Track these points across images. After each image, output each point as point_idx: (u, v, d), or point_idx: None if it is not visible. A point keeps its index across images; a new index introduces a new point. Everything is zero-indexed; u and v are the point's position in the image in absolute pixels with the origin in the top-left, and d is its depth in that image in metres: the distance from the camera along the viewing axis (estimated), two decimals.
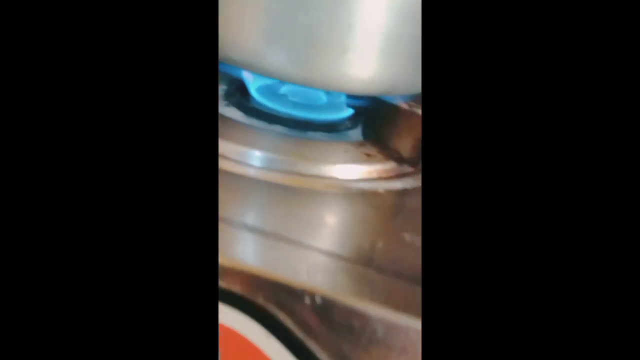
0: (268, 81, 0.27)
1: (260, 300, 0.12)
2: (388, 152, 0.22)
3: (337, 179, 0.19)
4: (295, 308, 0.11)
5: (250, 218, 0.15)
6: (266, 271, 0.12)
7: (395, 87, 0.22)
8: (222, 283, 0.12)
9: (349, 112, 0.26)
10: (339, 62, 0.19)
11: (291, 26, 0.18)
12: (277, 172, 0.18)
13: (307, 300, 0.11)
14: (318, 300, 0.11)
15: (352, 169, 0.20)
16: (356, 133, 0.25)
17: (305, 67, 0.19)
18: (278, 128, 0.24)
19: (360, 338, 0.11)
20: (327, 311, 0.11)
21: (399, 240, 0.16)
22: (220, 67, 0.24)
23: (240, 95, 0.26)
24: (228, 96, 0.27)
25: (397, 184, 0.20)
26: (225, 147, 0.20)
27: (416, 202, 0.20)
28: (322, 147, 0.21)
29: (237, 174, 0.18)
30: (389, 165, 0.21)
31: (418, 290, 0.13)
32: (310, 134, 0.24)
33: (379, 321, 0.11)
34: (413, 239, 0.16)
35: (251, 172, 0.19)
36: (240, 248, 0.14)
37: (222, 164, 0.19)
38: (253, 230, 0.14)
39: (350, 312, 0.11)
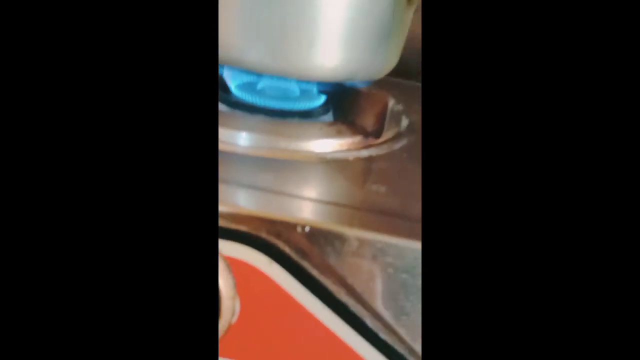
0: (246, 78, 0.30)
1: (263, 234, 0.15)
2: (355, 128, 0.26)
3: (314, 152, 0.23)
4: (291, 237, 0.15)
5: (245, 179, 0.19)
6: (264, 212, 0.15)
7: (357, 74, 0.26)
8: (231, 225, 0.15)
9: (321, 100, 0.30)
10: (307, 54, 0.22)
11: (264, 24, 0.22)
12: (261, 148, 0.22)
13: (299, 230, 0.15)
14: (307, 229, 0.15)
15: (326, 143, 0.24)
16: (328, 117, 0.29)
17: (278, 59, 0.23)
18: (260, 117, 0.27)
19: (340, 253, 0.15)
20: (315, 237, 0.15)
21: (368, 190, 0.19)
22: None
23: (222, 91, 0.30)
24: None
25: (364, 153, 0.24)
26: None
27: (380, 165, 0.24)
28: (300, 127, 0.25)
29: (226, 152, 0.21)
30: (357, 139, 0.25)
31: (381, 218, 0.17)
32: (289, 119, 0.28)
33: (354, 239, 0.15)
34: (378, 188, 0.20)
35: (239, 150, 0.22)
36: (242, 199, 0.17)
37: None
38: (249, 186, 0.17)
39: (333, 235, 0.15)
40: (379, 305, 0.15)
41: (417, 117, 0.31)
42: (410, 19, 0.27)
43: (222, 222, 0.15)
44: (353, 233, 0.15)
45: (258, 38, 0.22)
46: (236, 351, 0.16)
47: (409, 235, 0.15)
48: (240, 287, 0.15)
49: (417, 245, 0.15)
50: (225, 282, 0.15)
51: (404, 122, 0.31)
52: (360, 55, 0.24)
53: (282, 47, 0.22)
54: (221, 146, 0.22)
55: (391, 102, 0.24)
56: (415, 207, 0.19)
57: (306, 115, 0.29)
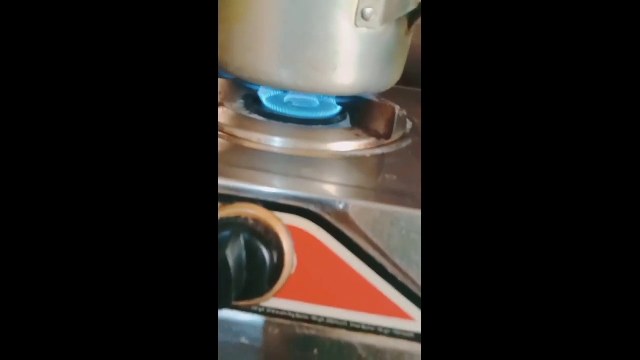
0: (274, 92, 0.37)
1: (312, 208, 0.21)
2: (369, 131, 0.32)
3: (337, 151, 0.30)
4: (332, 210, 0.21)
5: (288, 171, 0.25)
6: (308, 192, 0.22)
7: (369, 88, 0.32)
8: (283, 201, 0.22)
9: (338, 109, 0.36)
10: (330, 77, 0.29)
11: (295, 54, 0.28)
12: (294, 149, 0.28)
13: (339, 205, 0.21)
14: (342, 205, 0.21)
15: (347, 145, 0.30)
16: (346, 123, 0.35)
17: (306, 81, 0.29)
18: (290, 126, 0.34)
19: (367, 221, 0.21)
20: (349, 210, 0.21)
21: (383, 178, 0.26)
22: (240, 83, 0.34)
23: (257, 104, 0.36)
24: (248, 106, 0.36)
25: (378, 151, 0.31)
26: (251, 136, 0.29)
27: (391, 161, 0.30)
28: (324, 132, 0.32)
29: (262, 150, 0.28)
30: (371, 140, 0.32)
31: (395, 196, 0.23)
32: (314, 126, 0.34)
33: (377, 210, 0.21)
34: (391, 177, 0.26)
35: (275, 150, 0.28)
36: (290, 184, 0.23)
37: (250, 145, 0.28)
38: (293, 175, 0.24)
39: (361, 208, 0.21)
40: (397, 258, 0.22)
41: (419, 121, 0.37)
42: (410, 41, 0.33)
43: (278, 200, 0.22)
44: (376, 206, 0.21)
45: (289, 65, 0.29)
46: (295, 293, 0.22)
47: (416, 206, 0.22)
48: (297, 247, 0.22)
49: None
50: (286, 243, 0.21)
51: (409, 125, 0.37)
52: (371, 75, 0.31)
53: (309, 72, 0.29)
54: (255, 145, 0.29)
55: (397, 110, 0.31)
56: (419, 189, 0.25)
57: (327, 122, 0.35)
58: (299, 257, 0.22)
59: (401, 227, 0.21)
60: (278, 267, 0.21)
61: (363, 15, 0.27)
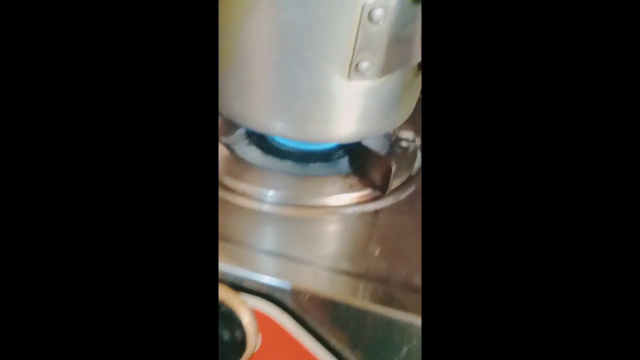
0: None
1: (277, 294, 0.21)
2: (366, 180, 0.30)
3: (329, 207, 0.28)
4: (297, 298, 0.21)
5: (266, 244, 0.24)
6: (279, 280, 0.21)
7: (367, 135, 0.30)
8: (253, 286, 0.21)
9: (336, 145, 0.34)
10: (322, 128, 0.27)
11: (285, 106, 0.26)
12: (285, 206, 0.27)
13: (303, 297, 0.20)
14: (307, 297, 0.21)
15: (340, 198, 0.29)
16: (345, 161, 0.33)
17: (297, 132, 0.27)
18: (287, 163, 0.32)
19: (331, 314, 0.20)
20: (313, 300, 0.20)
21: (368, 252, 0.24)
22: None
23: (257, 135, 0.35)
24: (248, 136, 0.35)
25: (371, 206, 0.29)
26: (245, 187, 0.28)
27: (383, 220, 0.28)
28: (318, 182, 0.30)
29: (256, 210, 0.27)
30: (366, 191, 0.29)
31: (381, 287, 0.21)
32: (311, 165, 0.33)
33: (343, 305, 0.20)
34: (375, 249, 0.24)
35: (265, 208, 0.27)
36: (262, 264, 0.23)
37: (243, 202, 0.28)
38: (269, 252, 0.23)
39: (325, 301, 0.20)
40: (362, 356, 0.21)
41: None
42: (420, 80, 0.30)
43: (244, 283, 0.21)
44: (345, 303, 0.20)
45: (279, 116, 0.27)
46: None
47: (392, 306, 0.20)
48: (261, 328, 0.21)
49: (391, 314, 0.20)
50: (250, 324, 0.21)
51: (417, 164, 0.34)
52: (369, 124, 0.28)
53: (299, 124, 0.27)
54: (248, 203, 0.28)
55: (394, 168, 0.28)
56: (403, 269, 0.23)
57: (327, 157, 0.33)
58: (263, 337, 0.22)
59: (373, 328, 0.20)
60: (240, 346, 0.21)
61: (358, 69, 0.24)
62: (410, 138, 0.38)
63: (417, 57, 0.25)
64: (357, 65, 0.23)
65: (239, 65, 0.26)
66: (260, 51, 0.24)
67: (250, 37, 0.24)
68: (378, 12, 0.21)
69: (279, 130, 0.28)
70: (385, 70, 0.24)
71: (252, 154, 0.34)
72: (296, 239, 0.25)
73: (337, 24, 0.22)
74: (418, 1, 0.22)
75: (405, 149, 0.36)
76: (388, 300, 0.20)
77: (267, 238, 0.25)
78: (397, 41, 0.23)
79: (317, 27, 0.22)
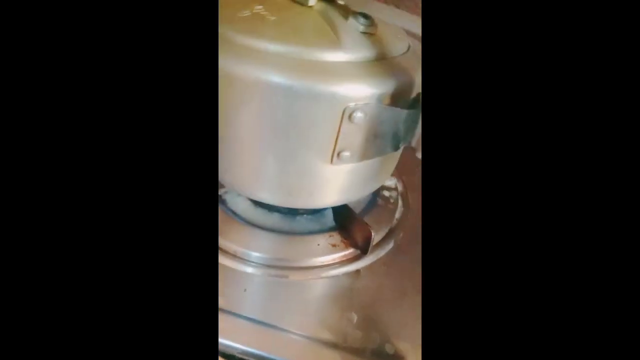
0: None
1: None
2: (348, 240, 0.32)
3: (313, 267, 0.30)
4: None
5: (249, 309, 0.27)
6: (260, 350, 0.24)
7: (351, 199, 0.32)
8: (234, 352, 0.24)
9: None
10: (306, 199, 0.29)
11: (271, 182, 0.28)
12: (270, 267, 0.30)
13: None
14: None
15: (323, 259, 0.31)
16: (329, 213, 0.35)
17: (284, 201, 0.29)
18: (275, 215, 0.34)
19: None
20: None
21: (346, 319, 0.27)
22: None
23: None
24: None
25: (352, 267, 0.31)
26: (234, 247, 0.31)
27: (363, 281, 0.31)
28: (303, 242, 0.32)
29: (240, 271, 0.29)
30: (348, 251, 0.32)
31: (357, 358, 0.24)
32: (298, 217, 0.35)
33: None
34: (353, 317, 0.27)
35: (250, 270, 0.30)
36: (240, 334, 0.25)
37: (227, 262, 0.30)
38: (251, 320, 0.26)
39: None
40: None
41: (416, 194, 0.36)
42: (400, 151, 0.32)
43: (226, 350, 0.24)
44: None
45: (266, 189, 0.29)
46: None
47: None
48: None
49: None
50: None
51: (398, 211, 0.37)
52: (352, 192, 0.30)
53: (285, 196, 0.29)
54: (232, 264, 0.30)
55: (373, 235, 0.30)
56: (378, 335, 0.26)
57: (312, 212, 0.35)
58: None
59: None
60: None
61: (339, 157, 0.25)
62: (393, 186, 0.40)
63: (395, 146, 0.27)
64: (338, 154, 0.25)
65: (232, 143, 0.27)
66: (252, 137, 0.26)
67: (244, 125, 0.26)
68: (358, 114, 0.23)
69: (266, 198, 0.30)
70: (364, 158, 0.26)
71: (242, 205, 0.36)
72: (278, 305, 0.27)
73: (322, 122, 0.24)
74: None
75: (387, 199, 0.38)
76: None
77: (250, 303, 0.27)
78: (374, 137, 0.25)
79: (304, 123, 0.24)
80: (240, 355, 0.24)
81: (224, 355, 0.24)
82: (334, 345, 0.25)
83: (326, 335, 0.26)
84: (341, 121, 0.24)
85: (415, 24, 0.35)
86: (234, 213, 0.34)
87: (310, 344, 0.25)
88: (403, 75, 0.25)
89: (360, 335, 0.26)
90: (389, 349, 0.26)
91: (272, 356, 0.24)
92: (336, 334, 0.26)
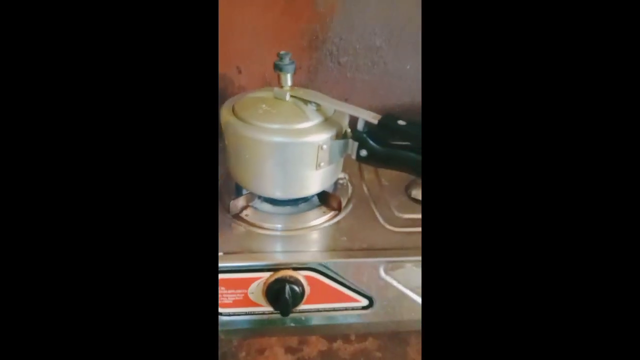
0: None
1: (312, 266, 0.52)
2: (329, 207, 0.62)
3: (313, 226, 0.59)
4: (319, 267, 0.52)
5: (292, 247, 0.55)
6: (307, 260, 0.52)
7: (323, 189, 0.61)
8: (298, 266, 0.51)
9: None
10: (301, 191, 0.58)
11: (282, 184, 0.56)
12: (288, 230, 0.57)
13: (320, 265, 0.52)
14: (323, 264, 0.52)
15: (319, 220, 0.60)
16: (316, 198, 0.64)
17: (288, 194, 0.58)
18: (287, 207, 0.62)
19: (338, 269, 0.52)
20: (326, 266, 0.52)
21: (339, 240, 0.56)
22: None
23: (265, 197, 0.64)
24: (261, 197, 0.64)
25: (335, 220, 0.61)
26: (267, 225, 0.58)
27: (342, 225, 0.60)
28: (305, 214, 0.61)
29: (272, 235, 0.57)
30: (332, 213, 0.61)
31: (348, 253, 0.54)
32: (300, 204, 0.63)
33: (332, 265, 0.52)
34: (342, 238, 0.56)
35: (276, 233, 0.57)
36: (296, 257, 0.53)
37: (267, 232, 0.57)
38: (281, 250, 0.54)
39: (333, 263, 0.52)
40: (355, 284, 0.53)
41: (357, 181, 0.67)
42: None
43: (296, 266, 0.51)
44: (338, 261, 0.52)
45: (278, 188, 0.57)
46: (308, 301, 0.53)
47: (358, 257, 0.52)
48: (309, 283, 0.52)
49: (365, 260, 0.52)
50: (304, 283, 0.52)
51: (349, 190, 0.67)
52: (328, 182, 0.60)
53: (289, 191, 0.57)
54: (266, 232, 0.57)
55: (343, 202, 0.61)
56: (361, 244, 0.55)
57: (306, 200, 0.64)
58: (311, 288, 0.52)
59: (357, 270, 0.52)
60: (302, 294, 0.51)
61: (319, 166, 0.55)
62: (342, 176, 0.71)
63: (342, 155, 0.57)
64: (319, 164, 0.55)
65: (249, 164, 0.55)
66: (268, 165, 0.54)
67: (256, 154, 0.53)
68: (324, 146, 0.53)
69: (277, 195, 0.58)
70: (330, 164, 0.56)
71: (265, 207, 0.63)
72: (303, 240, 0.56)
73: (308, 154, 0.53)
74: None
75: (342, 184, 0.69)
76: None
77: (294, 245, 0.55)
78: (333, 154, 0.55)
79: (298, 156, 0.53)
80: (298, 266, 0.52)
81: (293, 268, 0.51)
82: (333, 249, 0.54)
83: (333, 246, 0.55)
84: (318, 150, 0.53)
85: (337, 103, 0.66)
86: (262, 211, 0.61)
87: (322, 253, 0.54)
88: (338, 125, 0.56)
89: (345, 239, 0.55)
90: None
91: (322, 263, 0.52)
92: (334, 246, 0.55)
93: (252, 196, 0.62)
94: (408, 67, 0.81)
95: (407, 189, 0.69)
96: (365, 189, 0.69)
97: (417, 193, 0.67)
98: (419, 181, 0.68)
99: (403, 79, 0.82)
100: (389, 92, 0.83)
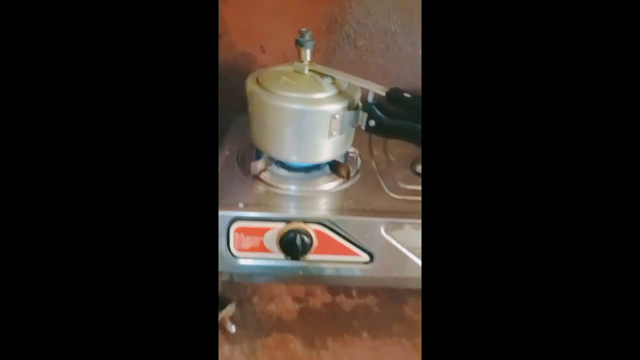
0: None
1: (321, 221, 0.58)
2: (339, 174, 0.68)
3: (325, 190, 0.65)
4: (328, 222, 0.58)
5: (292, 205, 0.62)
6: (317, 215, 0.58)
7: (335, 157, 0.67)
8: (309, 219, 0.58)
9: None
10: (315, 157, 0.64)
11: (298, 150, 0.63)
12: (304, 191, 0.64)
13: (328, 220, 0.58)
14: (331, 220, 0.58)
15: (329, 185, 0.66)
16: (327, 167, 0.71)
17: (303, 159, 0.65)
18: (300, 173, 0.69)
19: (344, 226, 0.59)
20: (334, 222, 0.58)
21: (347, 203, 0.63)
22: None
23: (282, 162, 0.70)
24: (277, 163, 0.70)
25: (344, 187, 0.67)
26: (283, 187, 0.65)
27: (350, 191, 0.66)
28: (317, 179, 0.67)
29: (286, 195, 0.63)
30: (340, 180, 0.67)
31: (350, 212, 0.60)
32: (312, 171, 0.69)
33: (340, 222, 0.58)
34: (348, 202, 0.63)
35: (292, 193, 0.64)
36: (292, 209, 0.60)
37: (281, 191, 0.64)
38: (295, 206, 0.60)
39: (339, 220, 0.58)
40: (359, 240, 0.59)
41: (367, 157, 0.73)
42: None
43: (307, 219, 0.58)
44: (345, 218, 0.58)
45: (294, 153, 0.64)
46: (316, 251, 0.60)
47: (361, 215, 0.59)
48: (318, 236, 0.59)
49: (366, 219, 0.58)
50: (314, 235, 0.58)
51: (359, 163, 0.73)
52: (337, 151, 0.66)
53: (304, 156, 0.63)
54: (281, 191, 0.64)
55: (351, 171, 0.67)
56: (365, 206, 0.61)
57: (318, 167, 0.70)
58: (318, 240, 0.59)
59: (361, 228, 0.58)
60: (311, 244, 0.58)
61: (332, 134, 0.61)
62: (352, 150, 0.77)
63: (352, 126, 0.63)
64: (331, 133, 0.61)
65: (269, 129, 0.61)
66: (287, 132, 0.60)
67: (276, 121, 0.60)
68: (337, 116, 0.59)
69: (293, 159, 0.64)
70: (344, 131, 0.62)
71: (281, 171, 0.69)
72: (313, 201, 0.62)
73: (322, 122, 0.59)
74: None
75: (352, 156, 0.75)
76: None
77: (307, 203, 0.62)
78: (344, 124, 0.61)
79: (313, 123, 0.59)
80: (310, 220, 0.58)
81: (304, 221, 0.58)
82: (340, 209, 0.61)
83: (345, 207, 0.61)
84: (331, 120, 0.59)
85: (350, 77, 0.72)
86: (278, 174, 0.68)
87: (331, 211, 0.60)
88: (350, 97, 0.62)
89: (351, 202, 0.62)
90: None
91: (328, 218, 0.58)
92: (341, 206, 0.61)
93: (270, 160, 0.69)
94: (420, 52, 0.86)
95: (412, 164, 0.74)
96: (373, 163, 0.75)
97: (421, 168, 0.73)
98: None
99: (415, 63, 0.87)
100: (400, 75, 0.88)
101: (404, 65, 0.88)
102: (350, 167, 0.67)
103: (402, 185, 0.68)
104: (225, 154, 0.73)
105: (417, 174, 0.72)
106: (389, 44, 0.85)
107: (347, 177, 0.68)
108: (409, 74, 0.88)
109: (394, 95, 0.55)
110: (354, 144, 0.72)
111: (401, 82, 0.90)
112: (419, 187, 0.68)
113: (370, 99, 0.59)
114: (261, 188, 0.65)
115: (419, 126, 0.56)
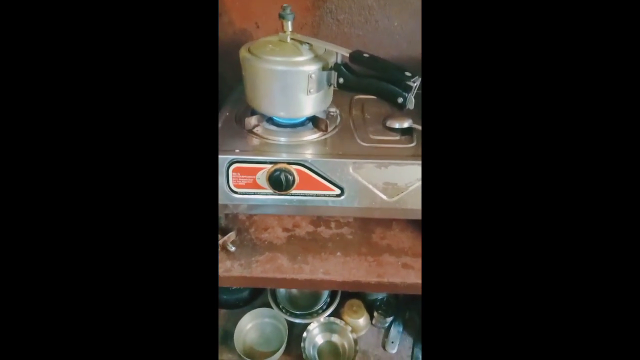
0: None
1: (302, 162, 0.72)
2: (320, 127, 0.81)
3: (307, 141, 0.79)
4: (307, 163, 0.72)
5: (290, 150, 0.76)
6: (299, 157, 0.72)
7: (315, 113, 0.81)
8: (292, 161, 0.72)
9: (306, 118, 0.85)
10: (298, 112, 0.78)
11: (284, 106, 0.76)
12: (290, 141, 0.78)
13: (308, 161, 0.72)
14: (310, 160, 0.72)
15: (311, 136, 0.80)
16: (310, 123, 0.84)
17: (289, 114, 0.78)
18: (287, 129, 0.82)
19: (320, 166, 0.73)
20: (312, 163, 0.72)
21: (325, 149, 0.76)
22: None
23: (271, 118, 0.84)
24: (268, 119, 0.84)
25: (323, 137, 0.80)
26: (272, 137, 0.79)
27: (329, 141, 0.80)
28: (301, 132, 0.81)
29: (278, 144, 0.78)
30: (320, 133, 0.81)
31: (331, 156, 0.74)
32: (297, 127, 0.83)
33: (320, 163, 0.72)
34: (326, 149, 0.76)
35: (281, 142, 0.78)
36: (292, 156, 0.74)
37: (272, 141, 0.78)
38: (282, 151, 0.74)
39: (318, 161, 0.72)
40: (333, 178, 0.73)
41: (345, 115, 0.86)
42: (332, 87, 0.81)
43: (290, 160, 0.72)
44: (323, 160, 0.72)
45: (281, 109, 0.77)
46: (298, 187, 0.74)
47: (337, 157, 0.72)
48: (299, 174, 0.73)
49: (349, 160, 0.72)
50: (295, 174, 0.72)
51: (338, 119, 0.86)
52: (318, 108, 0.79)
53: (289, 111, 0.77)
54: (275, 141, 0.78)
55: (328, 124, 0.80)
56: (339, 150, 0.75)
57: (303, 124, 0.84)
58: (299, 178, 0.73)
59: (333, 167, 0.72)
60: (293, 181, 0.72)
61: (310, 92, 0.74)
62: (333, 109, 0.90)
63: (328, 84, 0.76)
64: (309, 90, 0.74)
65: (259, 89, 0.75)
66: (272, 88, 0.74)
67: (264, 81, 0.74)
68: (313, 76, 0.72)
69: (280, 114, 0.78)
70: (318, 91, 0.75)
71: (271, 127, 0.83)
72: (297, 149, 0.76)
73: (300, 80, 0.72)
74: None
75: (333, 115, 0.88)
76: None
77: (292, 150, 0.76)
78: (321, 83, 0.74)
79: (293, 82, 0.73)
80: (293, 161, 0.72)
81: (289, 163, 0.72)
82: (317, 153, 0.74)
83: (318, 151, 0.75)
84: (308, 78, 0.72)
85: (322, 42, 0.84)
86: (269, 129, 0.82)
87: (311, 155, 0.74)
88: (325, 60, 0.74)
89: (327, 148, 0.75)
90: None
91: (304, 159, 0.72)
92: (318, 151, 0.75)
93: (262, 117, 0.83)
94: (395, 24, 0.97)
95: (384, 120, 0.87)
96: (350, 120, 0.88)
97: (390, 122, 0.85)
98: (395, 114, 0.86)
99: (391, 35, 0.98)
100: (379, 46, 1.00)
101: (382, 36, 0.99)
102: (328, 122, 0.81)
103: (372, 136, 0.81)
104: (225, 115, 0.87)
105: (387, 128, 0.85)
106: (367, 17, 0.97)
107: (326, 130, 0.81)
108: (387, 44, 1.00)
109: (355, 56, 0.68)
110: (336, 104, 0.85)
111: (380, 51, 1.01)
112: (386, 138, 0.82)
113: (338, 60, 0.71)
114: (255, 140, 0.79)
115: (378, 82, 0.69)
